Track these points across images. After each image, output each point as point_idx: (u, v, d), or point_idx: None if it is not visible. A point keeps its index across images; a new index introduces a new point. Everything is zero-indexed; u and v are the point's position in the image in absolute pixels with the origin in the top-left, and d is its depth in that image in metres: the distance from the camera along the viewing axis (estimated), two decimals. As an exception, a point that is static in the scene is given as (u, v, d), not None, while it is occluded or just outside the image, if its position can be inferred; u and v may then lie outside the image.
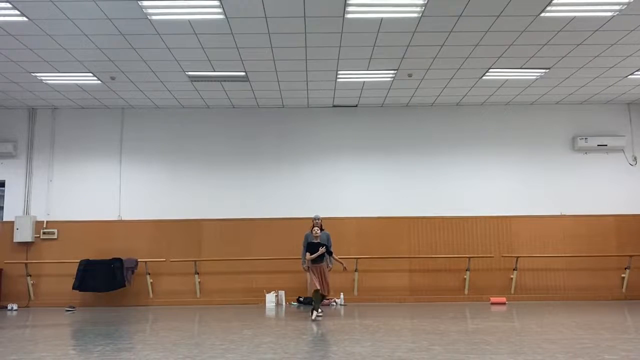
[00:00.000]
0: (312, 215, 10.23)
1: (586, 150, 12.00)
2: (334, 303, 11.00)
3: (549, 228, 11.75)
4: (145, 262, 11.35)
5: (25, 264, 11.28)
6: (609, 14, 7.70)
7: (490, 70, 9.94)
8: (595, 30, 8.27)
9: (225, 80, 10.33)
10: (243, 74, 9.97)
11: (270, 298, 11.09)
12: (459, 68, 9.83)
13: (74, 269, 11.04)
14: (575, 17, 7.82)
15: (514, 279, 11.44)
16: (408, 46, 8.81)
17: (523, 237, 11.71)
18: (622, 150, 11.99)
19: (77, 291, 11.03)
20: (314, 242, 8.69)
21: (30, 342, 6.23)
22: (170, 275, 11.51)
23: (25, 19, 7.66)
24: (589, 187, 11.90)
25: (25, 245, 11.57)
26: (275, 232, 11.62)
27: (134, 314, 9.74)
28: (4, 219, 11.70)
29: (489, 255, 11.59)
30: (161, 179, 11.88)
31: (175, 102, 11.62)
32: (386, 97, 11.45)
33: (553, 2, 7.36)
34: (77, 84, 10.44)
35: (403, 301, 11.44)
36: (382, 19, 7.81)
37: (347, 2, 7.28)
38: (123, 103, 11.67)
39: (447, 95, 11.38)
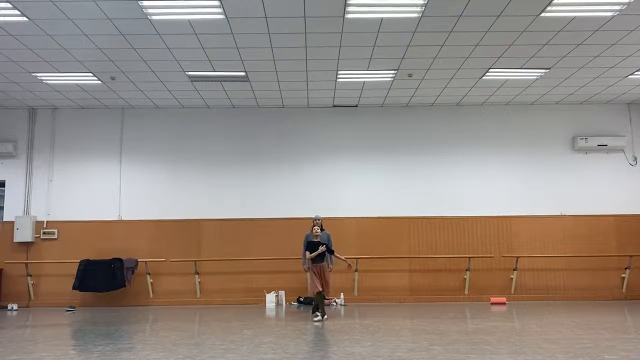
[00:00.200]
0: (312, 216, 10.23)
1: (586, 150, 12.00)
2: (334, 303, 11.00)
3: (549, 228, 11.75)
4: (146, 262, 11.35)
5: (26, 264, 11.28)
6: (609, 14, 7.70)
7: (491, 70, 9.94)
8: (596, 30, 8.27)
9: (225, 80, 10.33)
10: (243, 74, 9.97)
11: (270, 298, 11.09)
12: (459, 68, 9.83)
13: (74, 269, 11.04)
14: (575, 17, 7.82)
15: (514, 279, 11.44)
16: (408, 46, 8.81)
17: (523, 237, 11.71)
18: (622, 150, 11.99)
19: (77, 291, 11.03)
20: (314, 241, 8.58)
21: (30, 342, 6.23)
22: (170, 275, 11.51)
23: (25, 19, 7.66)
24: (589, 187, 11.90)
25: (26, 245, 11.57)
26: (275, 232, 11.62)
27: (134, 314, 9.74)
28: (4, 219, 11.70)
29: (489, 255, 11.59)
30: (161, 179, 11.89)
31: (176, 102, 11.62)
32: (386, 97, 11.46)
33: (553, 2, 7.36)
34: (77, 84, 10.44)
35: (403, 301, 11.44)
36: (382, 19, 7.81)
37: (347, 2, 7.28)
38: (123, 103, 11.67)
39: (447, 95, 11.38)
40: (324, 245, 8.42)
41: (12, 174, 11.80)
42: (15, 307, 11.13)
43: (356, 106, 12.11)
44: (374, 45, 8.77)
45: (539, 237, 11.71)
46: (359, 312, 9.56)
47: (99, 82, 10.26)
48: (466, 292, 11.50)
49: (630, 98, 11.75)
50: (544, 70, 9.98)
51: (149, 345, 5.86)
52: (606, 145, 11.85)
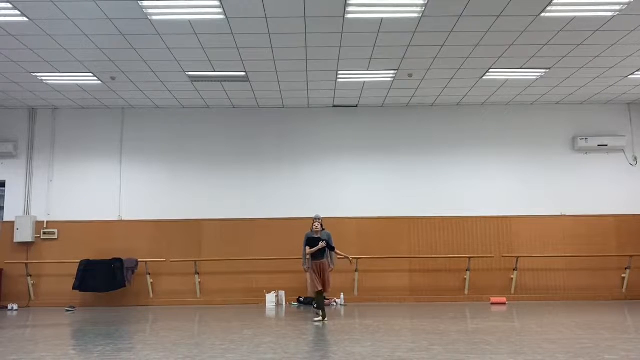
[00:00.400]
0: (312, 216, 10.19)
1: (586, 151, 11.99)
2: (334, 303, 11.00)
3: (549, 228, 11.75)
4: (146, 262, 11.35)
5: (26, 264, 11.28)
6: (609, 14, 7.70)
7: (491, 70, 9.94)
8: (596, 30, 8.27)
9: (225, 80, 10.33)
10: (243, 74, 9.97)
11: (270, 298, 11.09)
12: (459, 68, 9.83)
13: (74, 269, 11.04)
14: (575, 17, 7.82)
15: (514, 279, 11.44)
16: (408, 46, 8.81)
17: (523, 237, 11.71)
18: (623, 150, 11.99)
19: (78, 291, 11.03)
20: (314, 237, 8.46)
21: (30, 342, 6.23)
22: (171, 275, 11.52)
23: (25, 19, 7.66)
24: (589, 187, 11.90)
25: (26, 245, 11.57)
26: (275, 232, 11.62)
27: (134, 314, 9.74)
28: (5, 219, 11.70)
29: (489, 256, 11.59)
30: (161, 179, 11.89)
31: (176, 102, 11.62)
32: (386, 97, 11.46)
33: (553, 2, 7.36)
34: (77, 84, 10.44)
35: (403, 301, 11.44)
36: (382, 19, 7.81)
37: (348, 2, 7.28)
38: (123, 103, 11.67)
39: (448, 95, 11.38)
40: (324, 241, 8.32)
41: (13, 174, 11.80)
42: (15, 307, 11.13)
43: (356, 106, 12.11)
44: (374, 45, 8.77)
45: (539, 237, 11.71)
46: (359, 312, 9.56)
47: (99, 82, 10.26)
48: (466, 292, 11.50)
49: (631, 98, 11.75)
50: (544, 70, 9.98)
51: (149, 345, 5.87)
52: (606, 145, 11.85)
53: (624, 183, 11.92)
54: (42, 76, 9.96)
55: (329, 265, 8.70)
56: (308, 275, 8.84)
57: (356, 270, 11.33)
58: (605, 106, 12.11)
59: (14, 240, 11.46)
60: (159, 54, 9.02)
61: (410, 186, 11.90)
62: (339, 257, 9.10)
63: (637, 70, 10.01)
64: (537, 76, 10.26)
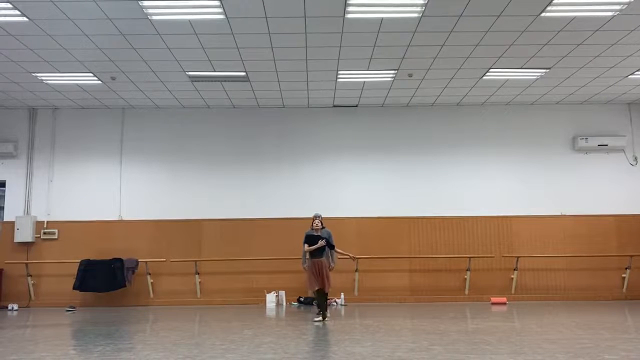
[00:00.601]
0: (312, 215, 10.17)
1: (587, 150, 11.99)
2: (335, 303, 11.00)
3: (550, 228, 11.75)
4: (146, 262, 11.35)
5: (26, 264, 11.28)
6: (609, 14, 7.70)
7: (491, 70, 9.94)
8: (596, 30, 8.27)
9: (225, 80, 10.33)
10: (243, 74, 9.97)
11: (270, 298, 11.09)
12: (460, 68, 9.83)
13: (74, 269, 11.05)
14: (575, 17, 7.82)
15: (514, 279, 11.43)
16: (408, 46, 8.81)
17: (523, 237, 11.71)
18: (623, 150, 11.99)
19: (78, 291, 11.04)
20: (313, 235, 8.37)
21: (30, 342, 6.23)
22: (171, 275, 11.52)
23: (25, 19, 7.66)
24: (590, 187, 11.90)
25: (26, 245, 11.57)
26: (275, 232, 11.62)
27: (134, 314, 9.74)
28: (5, 219, 11.70)
29: (489, 255, 11.59)
30: (161, 179, 11.89)
31: (176, 102, 11.62)
32: (386, 97, 11.46)
33: (553, 2, 7.36)
34: (77, 84, 10.44)
35: (403, 301, 11.44)
36: (382, 19, 7.81)
37: (348, 2, 7.28)
38: (123, 103, 11.67)
39: (448, 95, 11.38)
40: (324, 240, 8.24)
41: (13, 174, 11.80)
42: (15, 307, 11.14)
43: (356, 106, 12.11)
44: (374, 45, 8.77)
45: (540, 237, 11.71)
46: (359, 312, 9.56)
47: (99, 82, 10.27)
48: (466, 292, 11.49)
49: (631, 98, 11.75)
50: (544, 70, 9.98)
51: (149, 345, 5.87)
52: (606, 145, 11.85)
53: (624, 183, 11.91)
54: (42, 76, 9.96)
55: (329, 264, 8.65)
56: (306, 273, 8.73)
57: (356, 270, 11.33)
58: (605, 106, 12.11)
59: (14, 240, 11.46)
60: (159, 54, 9.02)
61: (410, 186, 11.90)
62: (340, 257, 9.06)
63: (637, 70, 10.01)
64: (537, 76, 10.26)
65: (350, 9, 7.48)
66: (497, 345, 5.60)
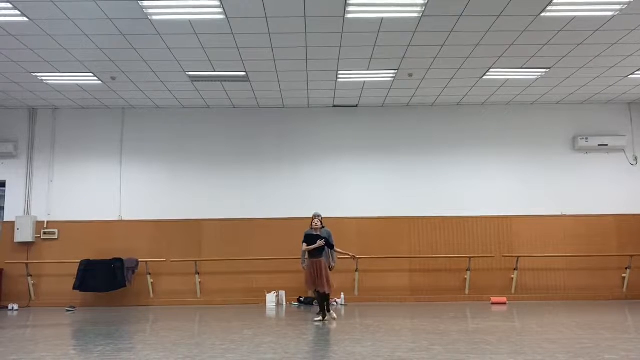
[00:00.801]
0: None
1: (587, 150, 11.99)
2: (335, 303, 11.00)
3: (550, 228, 11.75)
4: (146, 262, 11.35)
5: (26, 264, 11.28)
6: (610, 13, 7.70)
7: (491, 70, 9.94)
8: (596, 30, 8.27)
9: (225, 80, 10.33)
10: (243, 74, 9.97)
11: (270, 298, 11.09)
12: (460, 68, 9.83)
13: (74, 269, 11.05)
14: (575, 16, 7.81)
15: (514, 279, 11.43)
16: (408, 46, 8.81)
17: (524, 237, 11.71)
18: (623, 150, 11.99)
19: (78, 291, 11.04)
20: (313, 235, 8.33)
21: (30, 342, 6.23)
22: (171, 275, 11.52)
23: (25, 19, 7.66)
24: (590, 187, 11.90)
25: (26, 245, 11.57)
26: (275, 232, 11.62)
27: (134, 314, 9.74)
28: (5, 219, 11.70)
29: (489, 255, 11.59)
30: (161, 179, 11.89)
31: (176, 102, 11.62)
32: (386, 97, 11.45)
33: (553, 2, 7.36)
34: (77, 84, 10.44)
35: (403, 301, 11.44)
36: (382, 18, 7.81)
37: (348, 2, 7.28)
38: (123, 103, 11.67)
39: (448, 95, 11.38)
40: (323, 240, 8.20)
41: (13, 174, 11.80)
42: (15, 307, 11.14)
43: (356, 106, 12.11)
44: (374, 45, 8.77)
45: (540, 237, 11.71)
46: (360, 312, 9.56)
47: (100, 82, 10.26)
48: (467, 292, 11.49)
49: (631, 98, 11.75)
50: (544, 70, 9.97)
51: (150, 345, 5.87)
52: (607, 145, 11.84)
53: (624, 183, 11.91)
54: (42, 76, 9.96)
55: (329, 264, 8.64)
56: (304, 273, 8.68)
57: (356, 270, 11.33)
58: (605, 106, 12.11)
59: (15, 240, 11.46)
60: (159, 54, 9.02)
61: (410, 186, 11.90)
62: (341, 256, 9.04)
63: (638, 70, 10.01)
64: (538, 76, 10.26)
65: (350, 8, 7.48)
66: (498, 345, 5.60)
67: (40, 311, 10.51)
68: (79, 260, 11.11)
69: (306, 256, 8.50)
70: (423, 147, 12.03)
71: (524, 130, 12.08)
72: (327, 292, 8.27)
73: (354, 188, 11.88)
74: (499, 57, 9.32)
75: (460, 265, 11.54)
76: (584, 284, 11.60)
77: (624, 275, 11.50)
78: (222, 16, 7.66)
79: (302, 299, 11.17)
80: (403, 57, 9.29)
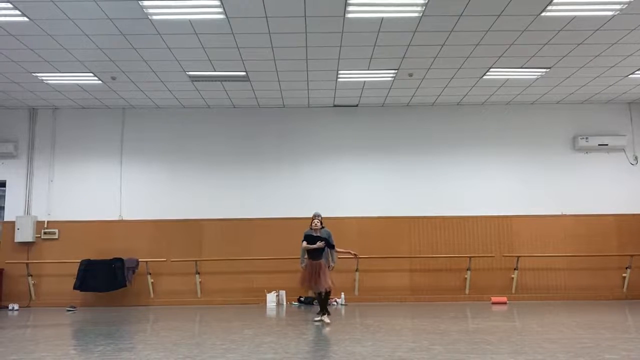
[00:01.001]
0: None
1: (587, 150, 11.99)
2: (335, 303, 11.00)
3: (550, 228, 11.75)
4: (146, 262, 11.36)
5: (26, 264, 11.29)
6: (610, 13, 7.70)
7: (491, 69, 9.94)
8: (596, 30, 8.27)
9: (225, 80, 10.33)
10: (243, 73, 9.97)
11: (271, 298, 11.10)
12: (460, 68, 9.83)
13: (74, 269, 11.05)
14: (575, 16, 7.81)
15: (514, 279, 11.43)
16: (409, 46, 8.81)
17: (524, 237, 11.71)
18: (623, 149, 11.99)
19: (78, 291, 11.04)
20: (313, 235, 8.29)
21: (31, 342, 6.23)
22: (171, 275, 11.52)
23: (25, 19, 7.66)
24: (590, 186, 11.90)
25: (26, 245, 11.57)
26: (275, 232, 11.62)
27: (134, 313, 9.74)
28: (5, 219, 11.70)
29: (489, 255, 11.59)
30: (161, 179, 11.89)
31: (176, 102, 11.62)
32: (387, 96, 11.45)
33: (553, 1, 7.36)
34: (77, 84, 10.44)
35: (404, 301, 11.44)
36: (382, 18, 7.81)
37: (348, 1, 7.28)
38: (124, 103, 11.68)
39: (448, 94, 11.38)
40: (323, 241, 8.15)
41: (13, 174, 11.81)
42: (16, 307, 11.14)
43: (356, 106, 12.11)
44: (375, 45, 8.77)
45: (540, 237, 11.71)
46: (360, 311, 9.56)
47: (100, 82, 10.27)
48: (467, 291, 11.49)
49: (631, 97, 11.75)
50: (544, 70, 9.97)
51: (150, 345, 5.87)
52: (607, 144, 11.84)
53: (625, 182, 11.91)
54: (42, 76, 9.96)
55: (330, 264, 8.65)
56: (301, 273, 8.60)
57: (357, 270, 11.33)
58: (605, 106, 12.11)
59: (15, 240, 11.46)
60: (160, 54, 9.02)
61: (410, 186, 11.90)
62: (342, 256, 9.02)
63: (638, 70, 10.01)
64: (538, 76, 10.26)
65: (350, 8, 7.48)
66: (498, 345, 5.60)
67: (40, 311, 10.51)
68: (79, 260, 11.11)
69: (306, 256, 8.48)
70: (423, 147, 12.03)
71: (524, 130, 12.08)
72: (327, 290, 8.24)
73: (354, 188, 11.88)
74: (499, 56, 9.32)
75: (460, 265, 11.54)
76: (584, 284, 11.60)
77: (624, 275, 11.50)
78: (222, 16, 7.66)
79: (302, 299, 11.17)
80: (403, 57, 9.29)
